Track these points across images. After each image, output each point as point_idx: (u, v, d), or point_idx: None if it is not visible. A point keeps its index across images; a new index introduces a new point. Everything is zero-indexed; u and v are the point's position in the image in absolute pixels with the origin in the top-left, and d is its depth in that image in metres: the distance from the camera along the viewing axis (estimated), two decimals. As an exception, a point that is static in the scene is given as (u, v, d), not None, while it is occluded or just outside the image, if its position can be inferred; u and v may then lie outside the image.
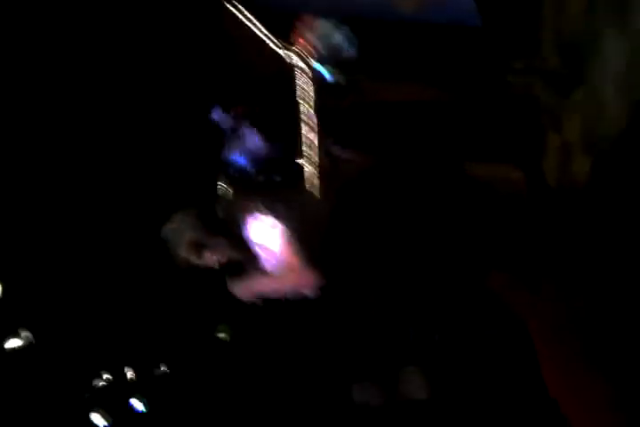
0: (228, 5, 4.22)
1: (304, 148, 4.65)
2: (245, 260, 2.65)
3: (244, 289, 2.78)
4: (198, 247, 2.65)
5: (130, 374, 3.84)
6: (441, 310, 1.98)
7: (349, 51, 4.15)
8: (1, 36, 3.70)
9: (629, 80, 2.76)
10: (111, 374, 3.78)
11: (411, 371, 2.95)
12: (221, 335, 4.12)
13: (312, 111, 4.29)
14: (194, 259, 2.65)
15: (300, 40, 4.27)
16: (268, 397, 3.78)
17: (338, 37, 4.11)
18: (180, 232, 2.67)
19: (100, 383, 3.75)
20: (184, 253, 2.65)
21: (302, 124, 4.60)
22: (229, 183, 4.73)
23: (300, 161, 4.63)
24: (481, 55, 3.90)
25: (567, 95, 3.45)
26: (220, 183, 4.62)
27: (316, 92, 4.27)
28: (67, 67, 4.08)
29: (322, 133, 4.32)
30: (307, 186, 4.54)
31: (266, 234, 2.48)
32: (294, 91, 4.49)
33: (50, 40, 3.90)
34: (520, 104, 3.88)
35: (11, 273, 3.66)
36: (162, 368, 3.94)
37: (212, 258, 2.64)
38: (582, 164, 3.03)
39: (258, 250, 2.53)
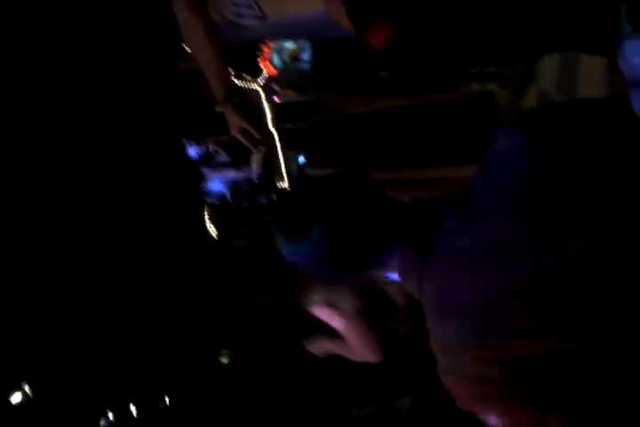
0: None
1: (283, 171, 4.71)
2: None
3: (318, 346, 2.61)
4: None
5: (134, 410, 3.87)
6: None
7: (305, 58, 4.28)
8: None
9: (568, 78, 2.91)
10: (115, 412, 3.81)
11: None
12: (224, 360, 4.16)
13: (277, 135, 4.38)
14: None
15: (263, 66, 4.40)
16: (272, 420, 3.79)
17: (292, 46, 4.24)
18: None
19: (106, 422, 3.77)
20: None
21: (278, 149, 4.66)
22: (212, 214, 4.84)
23: (282, 184, 4.70)
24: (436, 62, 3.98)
25: (521, 94, 3.59)
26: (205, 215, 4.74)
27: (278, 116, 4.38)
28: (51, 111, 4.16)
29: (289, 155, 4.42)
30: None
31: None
32: (263, 117, 4.58)
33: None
34: (479, 106, 3.99)
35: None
36: (165, 401, 3.98)
37: None
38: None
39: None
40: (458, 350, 0.98)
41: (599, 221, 0.90)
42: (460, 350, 0.97)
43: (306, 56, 4.36)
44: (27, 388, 3.56)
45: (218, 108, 1.78)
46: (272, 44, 4.49)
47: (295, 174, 4.61)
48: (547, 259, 0.91)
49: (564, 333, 0.89)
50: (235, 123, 1.77)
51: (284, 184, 4.60)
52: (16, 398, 3.59)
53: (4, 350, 3.61)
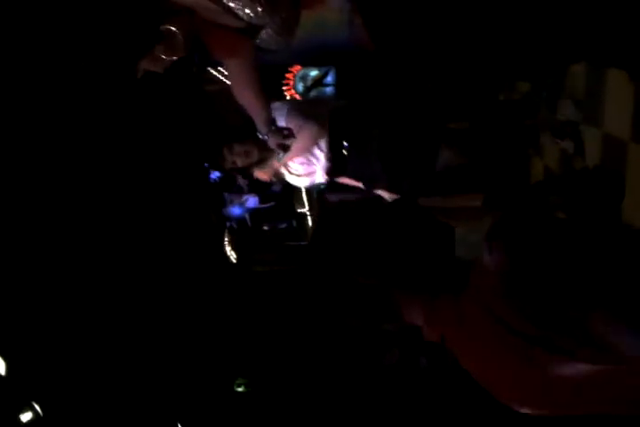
0: (211, 70, 4.37)
1: (303, 196, 4.69)
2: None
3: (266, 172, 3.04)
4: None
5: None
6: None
7: (328, 81, 4.35)
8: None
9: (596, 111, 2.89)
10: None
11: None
12: (240, 389, 4.10)
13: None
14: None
15: (287, 91, 4.43)
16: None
17: (316, 73, 4.31)
18: None
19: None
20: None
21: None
22: (232, 238, 4.83)
23: (302, 210, 4.67)
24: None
25: (553, 109, 3.53)
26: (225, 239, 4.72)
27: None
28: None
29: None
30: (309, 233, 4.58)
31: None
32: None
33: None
34: (506, 133, 3.94)
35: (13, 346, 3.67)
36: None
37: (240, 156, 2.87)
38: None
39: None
40: None
41: None
42: None
43: (329, 80, 4.38)
44: (37, 407, 3.53)
45: (261, 136, 2.40)
46: (296, 71, 4.52)
47: (315, 200, 4.60)
48: None
49: None
50: (274, 142, 2.40)
51: (304, 210, 4.58)
52: (26, 416, 3.56)
53: (16, 369, 3.59)
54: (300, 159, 2.96)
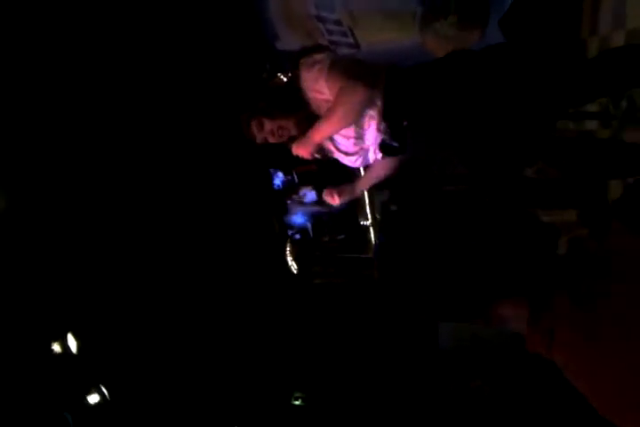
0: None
1: (367, 209, 4.60)
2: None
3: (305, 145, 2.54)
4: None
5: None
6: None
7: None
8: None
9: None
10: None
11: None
12: (297, 402, 4.09)
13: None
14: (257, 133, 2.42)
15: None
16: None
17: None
18: None
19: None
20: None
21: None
22: (293, 248, 4.78)
23: (365, 222, 4.59)
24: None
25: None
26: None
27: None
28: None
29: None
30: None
31: None
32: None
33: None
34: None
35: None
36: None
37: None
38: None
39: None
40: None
41: None
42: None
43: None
44: (104, 389, 3.59)
45: None
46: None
47: (379, 212, 4.50)
48: None
49: None
50: None
51: (367, 222, 4.49)
52: (93, 398, 3.63)
53: (87, 349, 3.66)
54: (348, 132, 2.42)
